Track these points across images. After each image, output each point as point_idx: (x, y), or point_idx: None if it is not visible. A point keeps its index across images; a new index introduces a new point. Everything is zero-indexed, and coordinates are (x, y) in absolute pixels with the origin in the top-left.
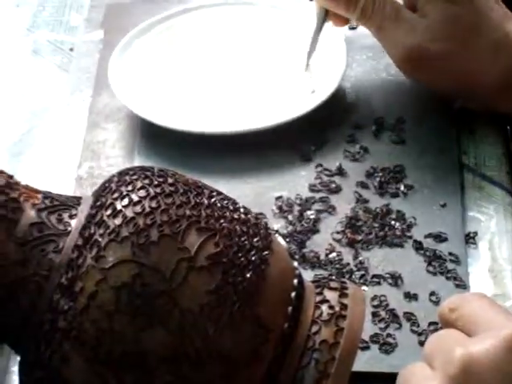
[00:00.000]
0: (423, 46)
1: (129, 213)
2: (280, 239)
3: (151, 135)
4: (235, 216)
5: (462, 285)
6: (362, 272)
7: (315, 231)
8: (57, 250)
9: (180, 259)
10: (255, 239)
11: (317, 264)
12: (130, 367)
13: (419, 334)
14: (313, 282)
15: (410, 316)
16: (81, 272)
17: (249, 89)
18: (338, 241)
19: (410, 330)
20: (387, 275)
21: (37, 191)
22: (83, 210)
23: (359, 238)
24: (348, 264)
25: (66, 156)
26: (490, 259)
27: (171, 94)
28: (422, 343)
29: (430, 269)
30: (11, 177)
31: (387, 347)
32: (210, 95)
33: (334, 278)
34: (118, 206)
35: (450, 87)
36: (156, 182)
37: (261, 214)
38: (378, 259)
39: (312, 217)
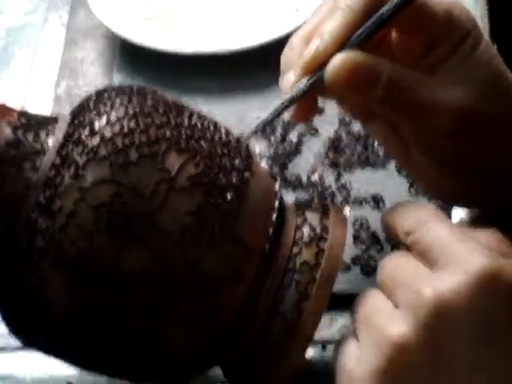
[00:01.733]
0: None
1: (107, 132)
2: (262, 165)
3: (130, 53)
4: (216, 137)
5: (443, 206)
6: (344, 194)
7: (298, 153)
8: (34, 168)
9: (160, 180)
10: (236, 160)
11: (299, 186)
12: (109, 287)
13: None
14: (295, 204)
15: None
16: (59, 191)
17: (230, 8)
18: (320, 163)
19: (386, 239)
20: (369, 197)
21: (12, 110)
22: (61, 129)
23: (341, 159)
24: (330, 186)
25: (43, 74)
26: None
27: (150, 11)
28: None
29: (412, 190)
30: None
31: (368, 269)
32: (191, 14)
33: (315, 200)
34: (96, 126)
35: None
36: (135, 101)
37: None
38: (361, 181)
39: (294, 139)
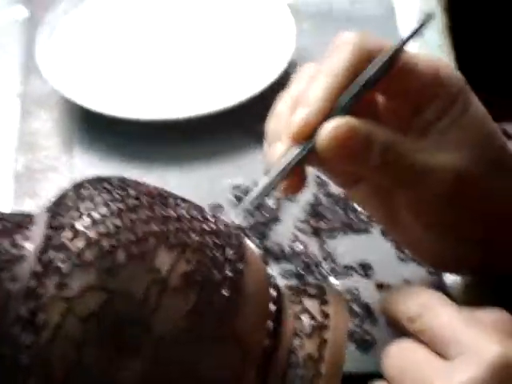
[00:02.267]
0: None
1: (92, 234)
2: (252, 246)
3: (90, 122)
4: (205, 227)
5: (433, 272)
6: (331, 264)
7: (277, 220)
8: (13, 278)
9: (151, 281)
10: (228, 250)
11: (281, 256)
12: None
13: None
14: (289, 289)
15: None
16: (42, 302)
17: (194, 70)
18: (302, 230)
19: (387, 323)
20: (357, 265)
21: None
22: (39, 231)
23: (324, 226)
24: (314, 255)
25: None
26: None
27: (109, 76)
28: None
29: (400, 255)
30: None
31: (365, 345)
32: (152, 78)
33: (311, 283)
34: (79, 227)
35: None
36: (118, 196)
37: (218, 205)
38: (346, 247)
39: (273, 206)
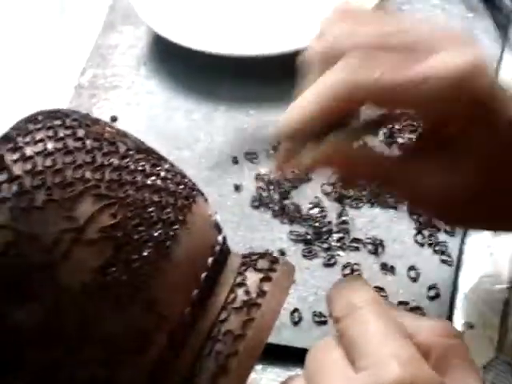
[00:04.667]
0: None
1: (16, 169)
2: (206, 212)
3: (162, 48)
4: (148, 182)
5: (448, 261)
6: (342, 234)
7: (306, 180)
8: None
9: (65, 229)
10: (166, 210)
11: (297, 218)
12: None
13: None
14: (243, 257)
15: (379, 291)
16: None
17: (265, 11)
18: (327, 194)
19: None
20: (368, 240)
21: None
22: None
23: (350, 193)
24: (329, 223)
25: (71, 60)
26: (491, 232)
27: (187, 8)
28: None
29: (418, 238)
30: None
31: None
32: (227, 15)
33: (268, 254)
34: (8, 160)
35: None
36: (61, 135)
37: (253, 153)
38: (365, 220)
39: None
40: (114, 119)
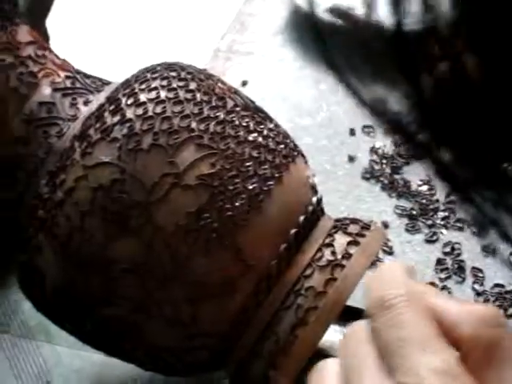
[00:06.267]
0: None
1: (128, 113)
2: (304, 173)
3: (301, 20)
4: (250, 138)
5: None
6: (447, 213)
7: (419, 157)
8: (59, 134)
9: (166, 173)
10: (263, 166)
11: (405, 193)
12: (95, 270)
13: (478, 294)
14: (336, 220)
15: (477, 272)
16: (66, 164)
17: None
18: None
19: (472, 287)
20: (473, 221)
21: (64, 68)
22: (99, 99)
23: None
24: (437, 201)
25: (214, 25)
26: None
27: None
28: None
29: None
30: (46, 48)
31: None
32: None
33: (360, 220)
34: (122, 104)
35: None
36: (174, 86)
37: (370, 127)
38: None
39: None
40: (244, 83)
